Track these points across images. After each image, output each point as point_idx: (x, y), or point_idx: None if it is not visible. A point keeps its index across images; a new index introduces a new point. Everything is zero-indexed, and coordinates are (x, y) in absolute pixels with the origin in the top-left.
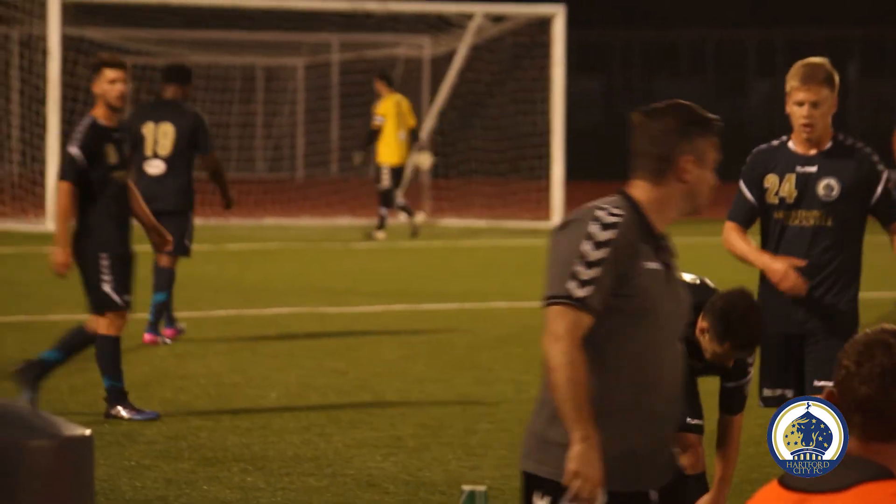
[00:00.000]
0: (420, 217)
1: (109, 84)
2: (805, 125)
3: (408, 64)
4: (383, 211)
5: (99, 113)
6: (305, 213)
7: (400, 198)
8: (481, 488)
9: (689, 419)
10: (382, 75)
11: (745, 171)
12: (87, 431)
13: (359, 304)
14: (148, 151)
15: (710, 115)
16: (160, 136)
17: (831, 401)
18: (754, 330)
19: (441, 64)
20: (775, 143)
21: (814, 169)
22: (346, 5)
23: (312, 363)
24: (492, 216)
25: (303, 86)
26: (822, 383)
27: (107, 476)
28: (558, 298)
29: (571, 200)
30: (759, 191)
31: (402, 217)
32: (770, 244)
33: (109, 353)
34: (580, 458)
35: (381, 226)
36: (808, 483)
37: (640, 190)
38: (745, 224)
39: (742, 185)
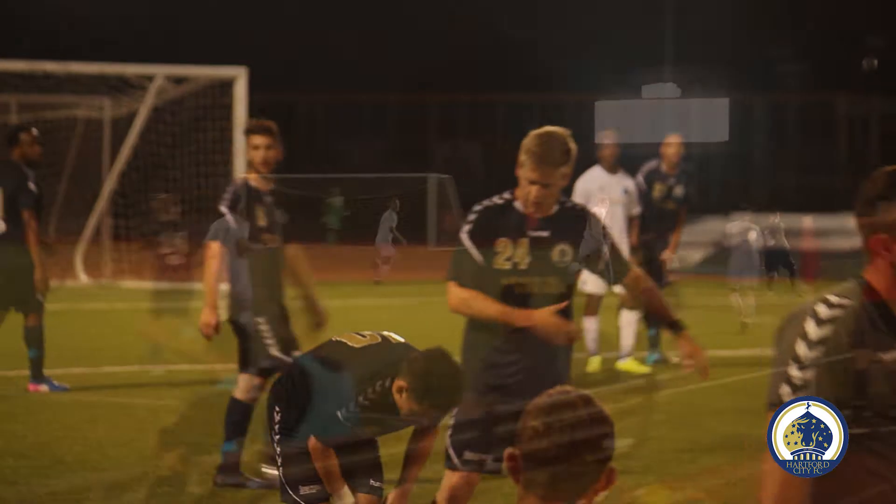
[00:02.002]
0: None
1: (253, 150)
2: (535, 203)
3: (88, 125)
4: None
5: (251, 176)
6: None
7: None
8: None
9: (372, 482)
10: None
11: (474, 229)
12: None
13: None
14: None
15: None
16: None
17: (512, 462)
18: (454, 390)
19: (122, 125)
20: (499, 201)
21: (546, 234)
22: (24, 66)
23: None
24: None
25: None
26: None
27: None
28: (772, 406)
29: None
30: (486, 253)
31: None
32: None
33: (238, 417)
34: None
35: None
36: None
37: (873, 268)
38: (474, 287)
39: (469, 243)
